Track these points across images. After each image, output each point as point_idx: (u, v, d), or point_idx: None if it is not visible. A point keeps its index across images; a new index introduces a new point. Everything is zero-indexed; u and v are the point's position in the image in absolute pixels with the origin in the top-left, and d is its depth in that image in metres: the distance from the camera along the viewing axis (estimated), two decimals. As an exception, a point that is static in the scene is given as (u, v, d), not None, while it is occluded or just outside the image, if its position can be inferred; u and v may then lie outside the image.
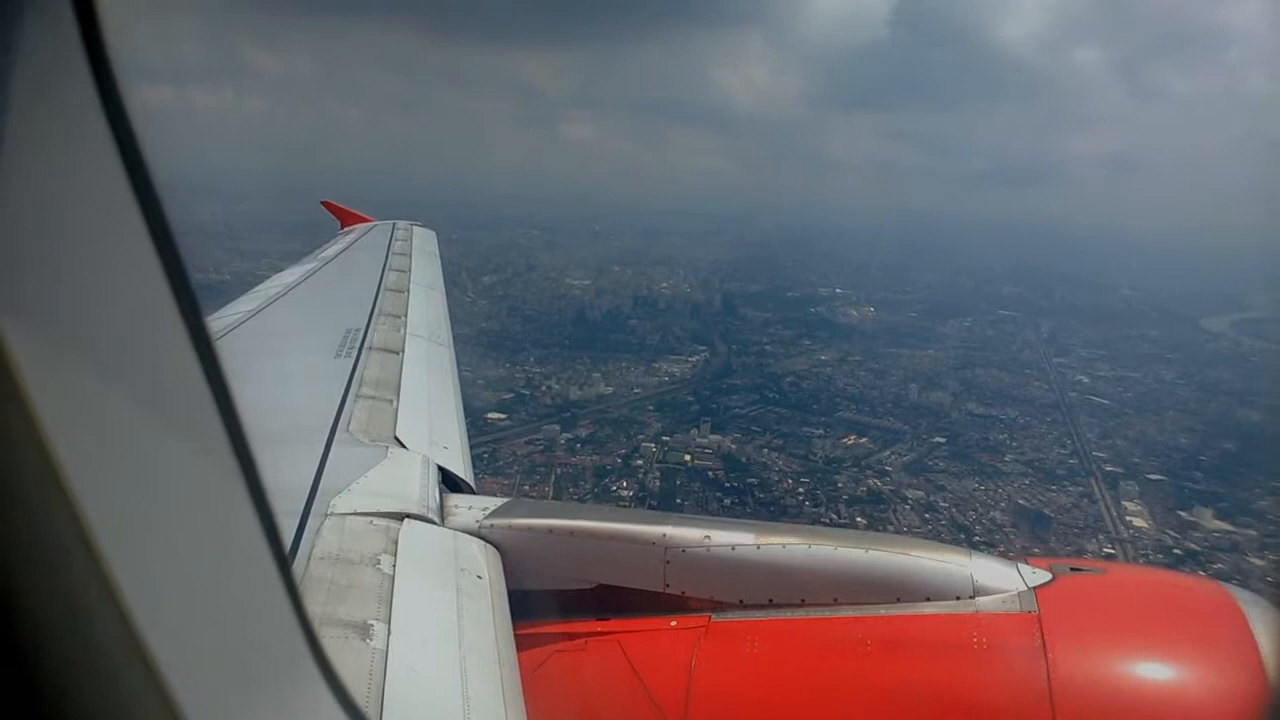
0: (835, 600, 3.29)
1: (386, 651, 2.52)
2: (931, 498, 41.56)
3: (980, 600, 3.15)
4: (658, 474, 42.08)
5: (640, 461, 43.40)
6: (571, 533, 3.64)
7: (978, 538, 36.44)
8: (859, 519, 37.92)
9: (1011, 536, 37.45)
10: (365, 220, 13.02)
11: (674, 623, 3.41)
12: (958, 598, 3.18)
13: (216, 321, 6.66)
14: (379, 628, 2.63)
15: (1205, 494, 43.65)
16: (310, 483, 3.62)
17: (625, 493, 39.19)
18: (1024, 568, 3.28)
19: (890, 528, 37.00)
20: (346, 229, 12.59)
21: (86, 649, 0.78)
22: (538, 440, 44.84)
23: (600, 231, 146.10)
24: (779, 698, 3.13)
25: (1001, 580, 3.20)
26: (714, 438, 46.84)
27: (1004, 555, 3.44)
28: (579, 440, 45.75)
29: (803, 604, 3.32)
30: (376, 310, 7.21)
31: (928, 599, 3.20)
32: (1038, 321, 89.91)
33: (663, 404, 53.45)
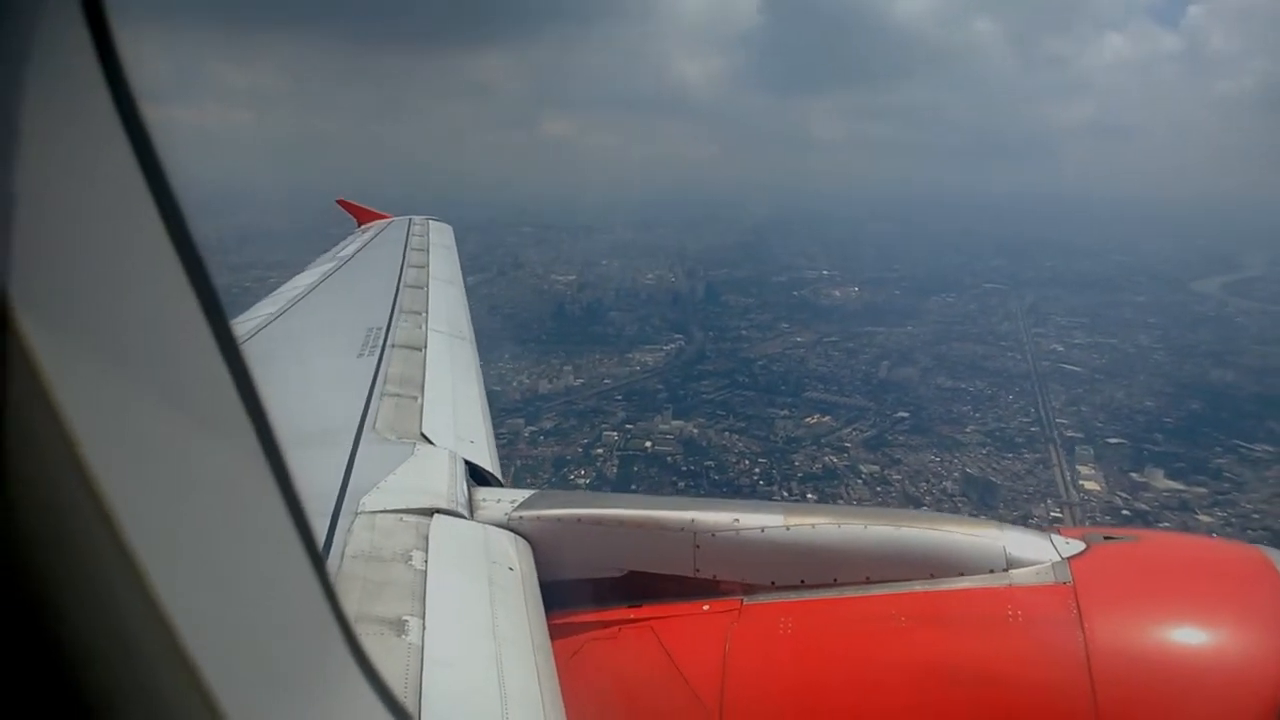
0: (868, 578, 3.28)
1: (422, 646, 2.56)
2: (886, 471, 42.15)
3: (1014, 573, 3.14)
4: (616, 462, 42.85)
5: (601, 450, 44.09)
6: (600, 521, 3.65)
7: (925, 506, 37.16)
8: (809, 495, 38.66)
9: (960, 505, 38.09)
10: (382, 217, 12.93)
11: (706, 607, 3.43)
12: (991, 571, 3.16)
13: (241, 324, 6.77)
14: (414, 623, 2.66)
15: (1164, 455, 44.20)
16: (340, 482, 3.68)
17: (582, 480, 39.94)
18: (1057, 538, 3.27)
19: (840, 501, 37.75)
20: (364, 226, 12.61)
21: (125, 651, 0.79)
22: (501, 434, 44.33)
23: (589, 226, 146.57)
24: (815, 678, 3.12)
25: (1034, 552, 3.18)
26: (676, 423, 47.57)
27: (1037, 527, 3.47)
28: (542, 433, 46.47)
29: (835, 583, 3.32)
30: (397, 307, 7.25)
31: (961, 574, 3.19)
32: (1022, 293, 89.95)
33: (631, 393, 54.10)
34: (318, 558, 1.15)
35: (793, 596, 3.35)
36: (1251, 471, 41.88)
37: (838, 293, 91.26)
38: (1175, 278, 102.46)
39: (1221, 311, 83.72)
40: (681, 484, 40.06)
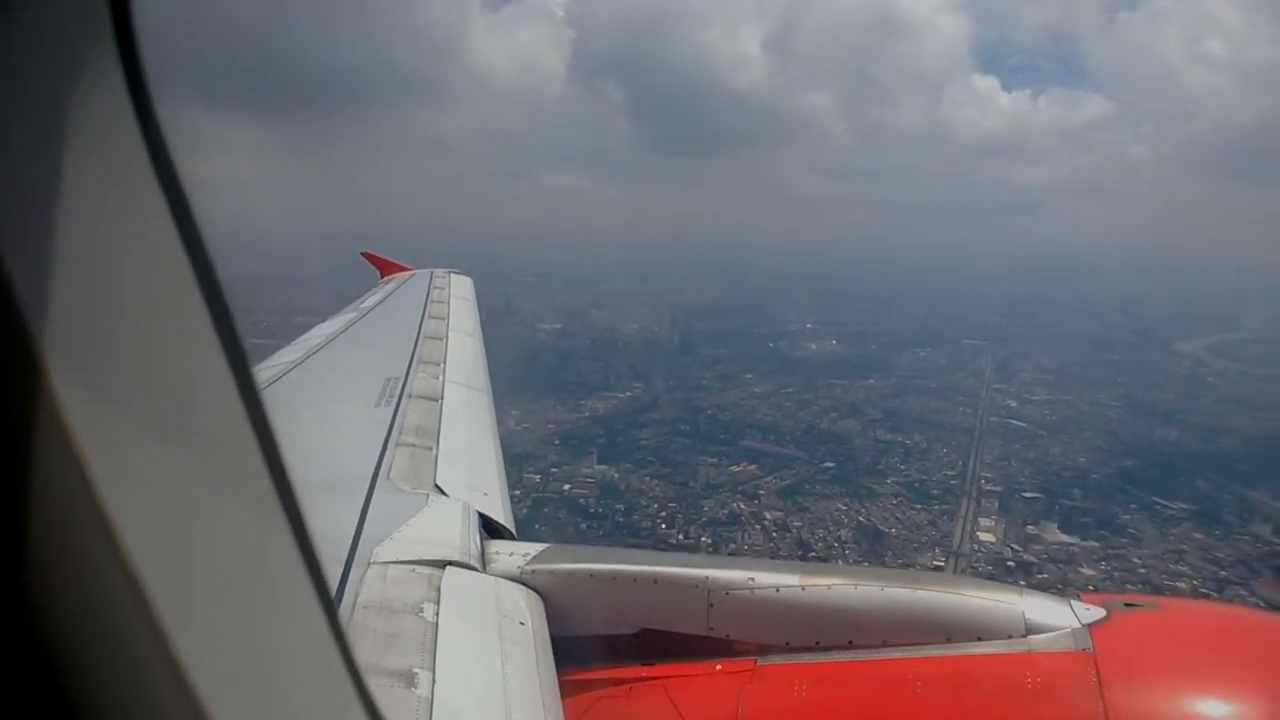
0: (884, 641, 3.23)
1: (431, 700, 2.52)
2: (789, 518, 42.88)
3: (1033, 639, 3.08)
4: (529, 503, 43.99)
5: (518, 491, 45.48)
6: (613, 577, 3.60)
7: (814, 552, 38.26)
8: (705, 539, 39.83)
9: (850, 552, 38.99)
10: (404, 269, 13.32)
11: (719, 667, 3.37)
12: (1010, 636, 3.11)
13: (262, 372, 6.79)
14: (423, 676, 2.63)
15: (1075, 509, 44.81)
16: (353, 531, 3.67)
17: (489, 520, 41.48)
18: (1077, 605, 3.22)
19: (731, 546, 38.97)
20: (386, 278, 12.92)
21: (135, 692, 0.78)
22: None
23: (585, 278, 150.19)
24: None
25: (1054, 618, 3.14)
26: (600, 468, 48.87)
27: (1056, 593, 3.45)
28: (466, 474, 48.11)
29: (850, 646, 3.27)
30: (415, 358, 7.30)
31: (979, 638, 3.14)
32: (1001, 349, 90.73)
33: (569, 438, 55.42)
34: (330, 607, 1.17)
35: (807, 658, 3.32)
36: (1156, 528, 42.32)
37: (813, 345, 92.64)
38: (1163, 337, 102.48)
39: (1195, 371, 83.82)
40: (584, 525, 41.32)
